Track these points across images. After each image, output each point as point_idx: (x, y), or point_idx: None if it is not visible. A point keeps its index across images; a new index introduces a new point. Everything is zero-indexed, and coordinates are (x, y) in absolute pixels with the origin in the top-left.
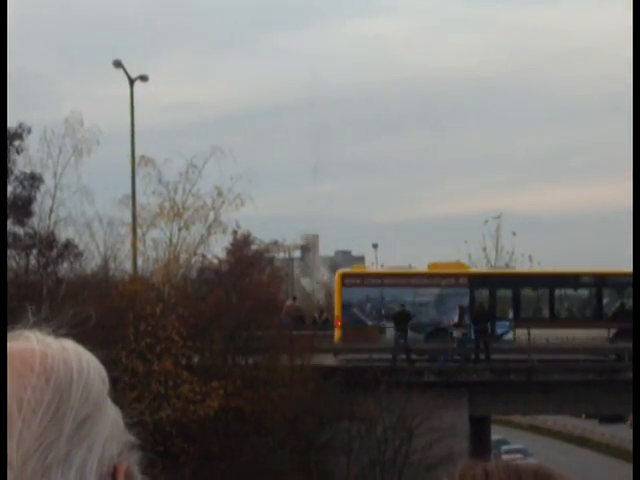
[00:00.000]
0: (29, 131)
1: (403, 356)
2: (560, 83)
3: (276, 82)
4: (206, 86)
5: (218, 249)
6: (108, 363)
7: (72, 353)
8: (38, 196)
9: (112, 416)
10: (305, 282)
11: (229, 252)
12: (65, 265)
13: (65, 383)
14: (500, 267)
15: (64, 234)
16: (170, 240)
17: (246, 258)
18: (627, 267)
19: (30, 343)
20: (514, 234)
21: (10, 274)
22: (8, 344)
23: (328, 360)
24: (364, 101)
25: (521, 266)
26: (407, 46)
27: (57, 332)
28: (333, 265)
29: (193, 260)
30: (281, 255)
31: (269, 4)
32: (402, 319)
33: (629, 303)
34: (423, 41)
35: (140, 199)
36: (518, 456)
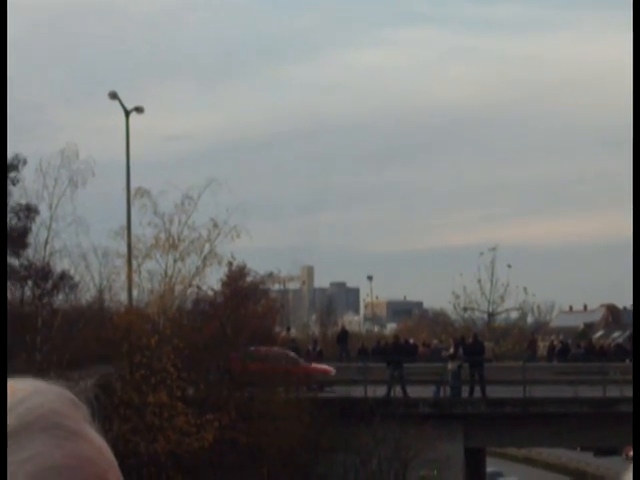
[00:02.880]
0: (25, 162)
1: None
2: (557, 114)
3: (272, 114)
4: (202, 118)
5: (213, 281)
6: (103, 394)
7: (29, 388)
8: (33, 227)
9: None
10: (301, 313)
11: (224, 284)
12: (60, 296)
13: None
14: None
15: (59, 265)
16: (165, 271)
17: (241, 290)
18: (622, 298)
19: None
20: (509, 266)
21: None
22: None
23: (323, 392)
24: (360, 132)
25: (516, 298)
26: (405, 77)
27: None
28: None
29: (188, 292)
30: (276, 287)
31: (266, 36)
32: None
33: None
34: (421, 72)
35: (135, 230)
36: None
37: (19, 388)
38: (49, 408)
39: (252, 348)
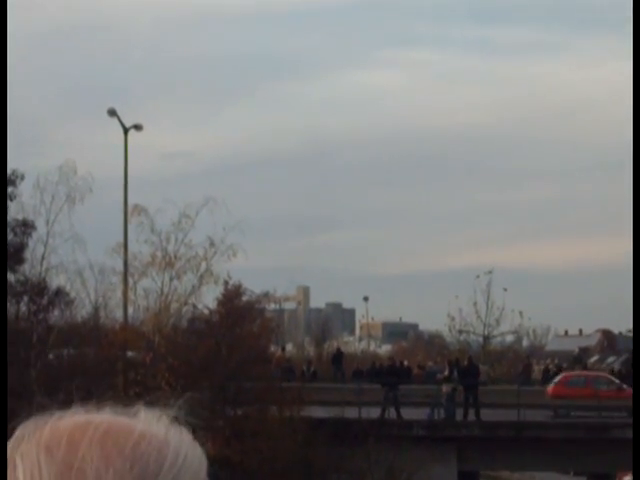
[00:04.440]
0: (22, 178)
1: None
2: (556, 138)
3: (271, 133)
4: (201, 135)
5: (209, 299)
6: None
7: (172, 444)
8: (30, 243)
9: None
10: (296, 333)
11: (220, 302)
12: (56, 312)
13: (150, 474)
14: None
15: (55, 281)
16: (161, 289)
17: (237, 309)
18: (617, 323)
19: (134, 422)
20: (505, 290)
21: None
22: (111, 418)
23: (317, 412)
24: (358, 153)
25: (511, 322)
26: (403, 99)
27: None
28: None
29: (184, 310)
30: (272, 306)
31: (267, 55)
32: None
33: None
34: (420, 93)
35: (132, 248)
36: None
37: (187, 444)
38: (205, 466)
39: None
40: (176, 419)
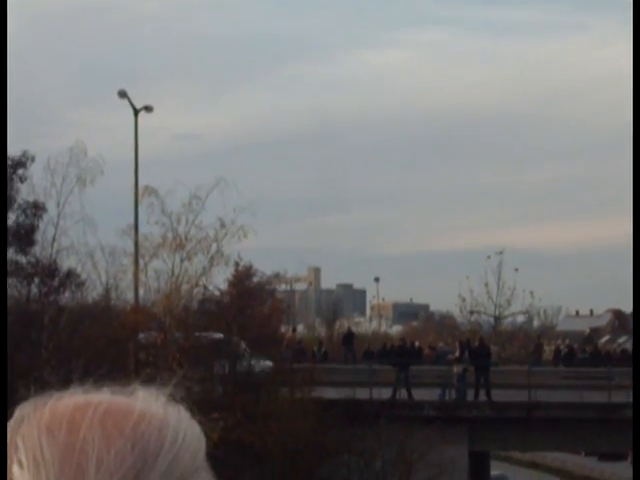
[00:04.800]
0: (33, 160)
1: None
2: (568, 118)
3: (283, 113)
4: (211, 117)
5: (220, 280)
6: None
7: (172, 422)
8: (41, 225)
9: None
10: (307, 314)
11: (231, 284)
12: (67, 294)
13: (151, 453)
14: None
15: (66, 263)
16: (172, 271)
17: (248, 290)
18: (628, 303)
19: (133, 402)
20: (516, 270)
21: (11, 302)
22: (110, 398)
23: (328, 393)
24: (369, 134)
25: (522, 302)
26: (411, 79)
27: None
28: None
29: (195, 291)
30: (283, 287)
31: (276, 36)
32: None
33: None
34: (427, 74)
35: (143, 229)
36: None
37: (185, 421)
38: (204, 444)
39: None
40: (172, 397)
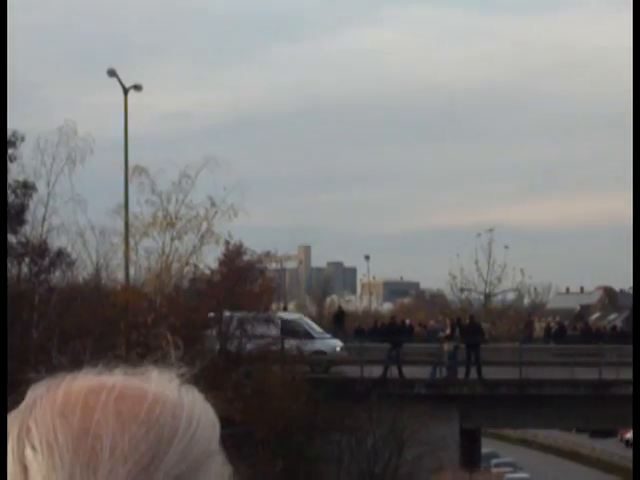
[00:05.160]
0: (22, 139)
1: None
2: (556, 96)
3: (272, 92)
4: (200, 96)
5: (210, 259)
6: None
7: (186, 406)
8: (31, 204)
9: (214, 477)
10: (297, 293)
11: (221, 262)
12: (57, 274)
13: (166, 438)
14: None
15: (56, 243)
16: (162, 250)
17: (238, 269)
18: (619, 280)
19: (146, 385)
20: (506, 248)
21: None
22: (124, 381)
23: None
24: (358, 113)
25: (512, 280)
26: (403, 57)
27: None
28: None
29: (185, 270)
30: (273, 266)
31: (265, 15)
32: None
33: None
34: (419, 52)
35: (133, 208)
36: (508, 469)
37: (198, 404)
38: (218, 428)
39: None
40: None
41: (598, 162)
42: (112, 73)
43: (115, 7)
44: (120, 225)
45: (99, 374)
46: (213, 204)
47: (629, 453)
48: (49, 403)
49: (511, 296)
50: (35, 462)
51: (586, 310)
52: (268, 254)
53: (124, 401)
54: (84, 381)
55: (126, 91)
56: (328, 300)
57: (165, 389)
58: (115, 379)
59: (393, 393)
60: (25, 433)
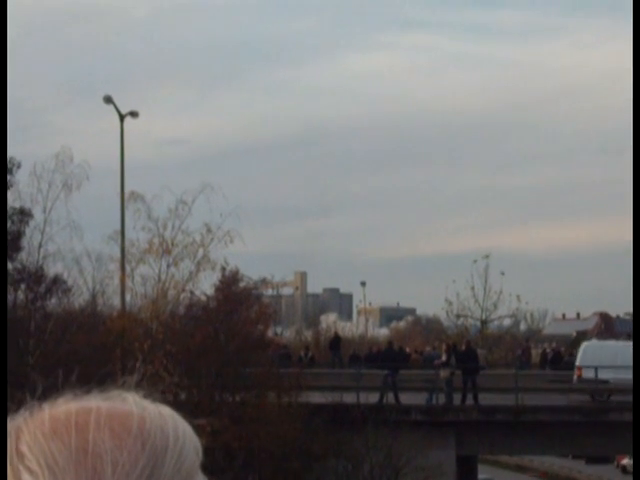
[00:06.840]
0: (19, 166)
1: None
2: (553, 122)
3: (268, 118)
4: (197, 122)
5: (206, 286)
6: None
7: (169, 420)
8: (27, 231)
9: None
10: (294, 319)
11: (217, 289)
12: (53, 300)
13: (160, 450)
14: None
15: (53, 269)
16: (159, 276)
17: (234, 295)
18: (615, 306)
19: (127, 405)
20: (502, 274)
21: None
22: (106, 403)
23: (315, 398)
24: (356, 138)
25: (508, 306)
26: (404, 82)
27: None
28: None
29: (181, 297)
30: (269, 292)
31: (262, 40)
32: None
33: None
34: (420, 78)
35: (129, 235)
36: None
37: (178, 418)
38: (198, 440)
39: None
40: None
41: (595, 188)
42: (108, 100)
43: (113, 35)
44: (116, 251)
45: (77, 398)
46: (209, 230)
47: (626, 479)
48: (37, 426)
49: (507, 322)
50: None
51: (582, 336)
52: (264, 280)
53: (113, 419)
54: (67, 404)
55: (122, 118)
56: (322, 319)
57: (144, 407)
58: (95, 401)
59: (389, 419)
60: (18, 459)
